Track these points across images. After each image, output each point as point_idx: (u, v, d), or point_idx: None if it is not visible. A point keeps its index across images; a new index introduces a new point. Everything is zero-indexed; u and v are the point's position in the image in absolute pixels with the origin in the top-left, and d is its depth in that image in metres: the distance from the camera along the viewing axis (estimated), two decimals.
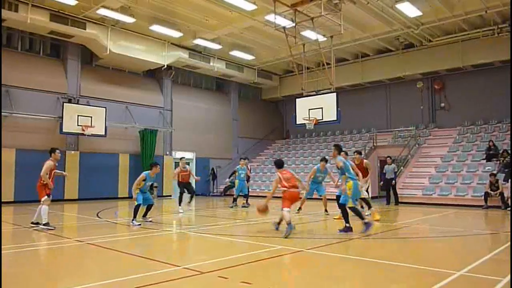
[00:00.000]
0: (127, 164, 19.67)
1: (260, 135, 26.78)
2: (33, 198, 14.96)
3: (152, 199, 10.20)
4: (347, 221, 8.07)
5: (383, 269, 5.26)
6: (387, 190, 15.84)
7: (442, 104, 21.40)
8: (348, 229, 8.00)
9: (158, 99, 21.31)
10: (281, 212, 7.81)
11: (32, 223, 8.95)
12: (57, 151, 9.25)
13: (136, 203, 9.52)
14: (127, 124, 19.58)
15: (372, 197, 18.91)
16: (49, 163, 9.12)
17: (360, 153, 11.67)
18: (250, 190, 15.85)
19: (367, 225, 7.99)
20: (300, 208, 12.07)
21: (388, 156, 16.15)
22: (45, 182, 8.89)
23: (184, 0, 15.49)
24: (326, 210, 11.81)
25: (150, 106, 20.81)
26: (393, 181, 15.55)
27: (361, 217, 8.00)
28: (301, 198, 10.28)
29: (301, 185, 8.74)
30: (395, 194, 15.57)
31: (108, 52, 17.52)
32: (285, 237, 7.37)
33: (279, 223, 8.36)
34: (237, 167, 14.88)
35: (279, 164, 8.32)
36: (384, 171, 15.87)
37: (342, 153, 8.82)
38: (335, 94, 14.96)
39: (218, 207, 15.61)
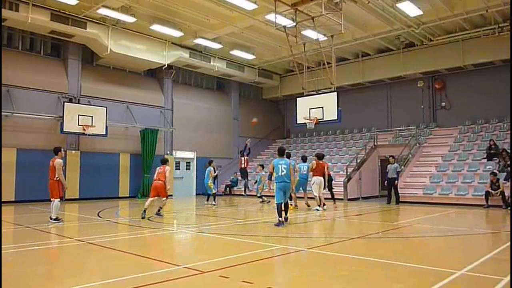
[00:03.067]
0: (128, 163, 19.69)
1: (261, 135, 26.74)
2: (34, 197, 15.19)
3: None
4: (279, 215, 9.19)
5: (383, 269, 5.26)
6: (389, 189, 15.84)
7: (443, 103, 21.36)
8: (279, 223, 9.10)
9: (159, 98, 21.31)
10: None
11: (51, 218, 9.74)
12: (62, 149, 9.86)
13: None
14: (127, 123, 19.58)
15: (372, 196, 19.04)
16: (59, 161, 9.55)
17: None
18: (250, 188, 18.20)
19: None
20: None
21: (391, 156, 16.14)
22: (57, 178, 9.31)
23: (184, 0, 15.49)
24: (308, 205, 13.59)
25: (150, 105, 20.80)
26: (396, 181, 15.54)
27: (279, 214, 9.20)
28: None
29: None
30: (396, 193, 15.55)
31: (108, 52, 17.52)
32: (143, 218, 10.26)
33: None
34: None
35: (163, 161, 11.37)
36: (386, 170, 15.86)
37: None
38: (335, 93, 14.93)
39: (218, 206, 15.60)
